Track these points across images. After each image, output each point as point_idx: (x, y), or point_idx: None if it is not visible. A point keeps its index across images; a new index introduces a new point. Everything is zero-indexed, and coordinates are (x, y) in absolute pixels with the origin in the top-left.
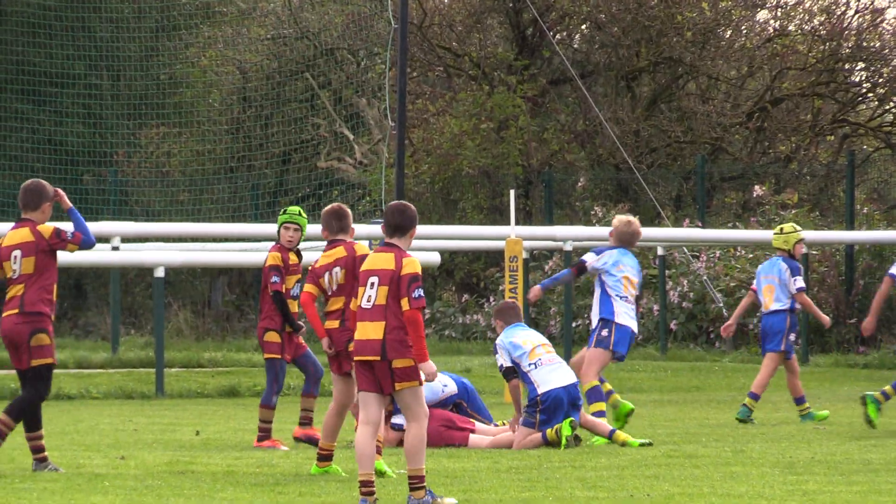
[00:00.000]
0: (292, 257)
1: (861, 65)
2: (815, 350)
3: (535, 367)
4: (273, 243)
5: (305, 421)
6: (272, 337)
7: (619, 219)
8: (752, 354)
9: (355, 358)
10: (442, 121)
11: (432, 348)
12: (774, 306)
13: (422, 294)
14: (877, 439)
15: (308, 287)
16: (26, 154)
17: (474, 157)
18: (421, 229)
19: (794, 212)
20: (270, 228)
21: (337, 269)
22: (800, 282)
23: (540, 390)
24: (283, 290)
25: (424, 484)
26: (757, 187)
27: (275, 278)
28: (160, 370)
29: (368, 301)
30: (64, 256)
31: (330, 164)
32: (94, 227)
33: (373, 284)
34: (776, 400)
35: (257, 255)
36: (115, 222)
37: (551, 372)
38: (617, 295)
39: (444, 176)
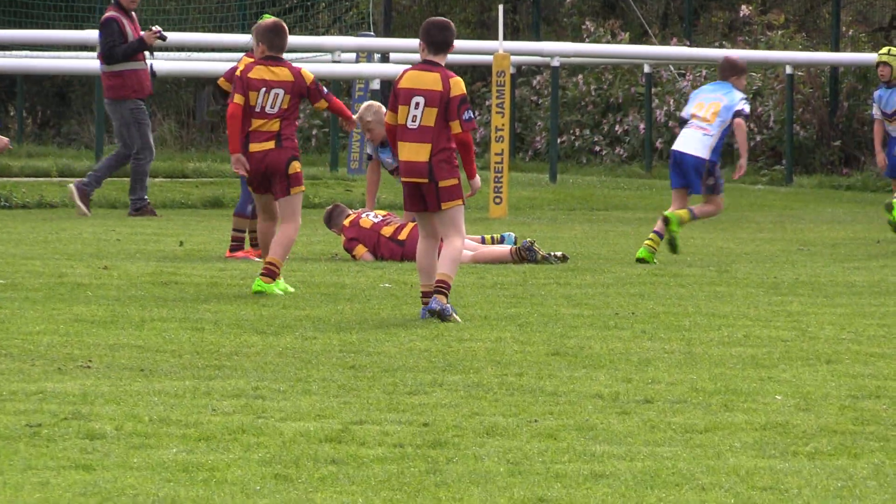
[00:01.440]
0: None
1: None
2: (798, 171)
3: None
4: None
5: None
6: None
7: None
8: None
9: (403, 179)
10: None
11: None
12: None
13: (472, 115)
14: (860, 261)
15: (238, 98)
16: None
17: None
18: (407, 42)
19: (780, 32)
20: None
21: (280, 90)
22: None
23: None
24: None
25: (448, 293)
26: (744, 7)
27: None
28: None
29: (414, 121)
30: (49, 63)
31: None
32: (81, 35)
33: (418, 105)
34: (760, 220)
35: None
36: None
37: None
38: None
39: None
